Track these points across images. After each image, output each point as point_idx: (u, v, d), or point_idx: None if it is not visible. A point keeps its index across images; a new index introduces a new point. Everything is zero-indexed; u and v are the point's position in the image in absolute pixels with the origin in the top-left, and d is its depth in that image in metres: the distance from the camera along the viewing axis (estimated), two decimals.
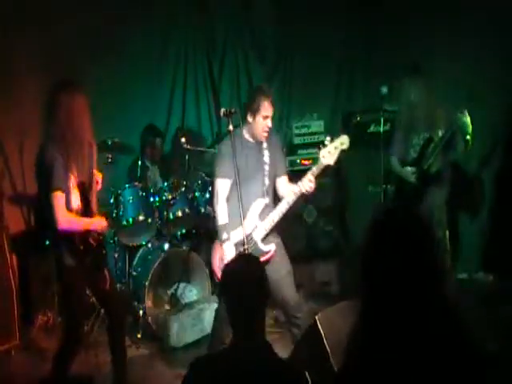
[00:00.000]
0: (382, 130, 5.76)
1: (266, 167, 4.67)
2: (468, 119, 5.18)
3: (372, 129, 6.98)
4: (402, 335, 1.90)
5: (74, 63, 6.16)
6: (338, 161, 4.53)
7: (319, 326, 3.66)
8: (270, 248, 4.59)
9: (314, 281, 6.66)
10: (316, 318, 3.73)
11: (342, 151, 4.53)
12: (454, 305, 2.01)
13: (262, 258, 4.54)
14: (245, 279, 2.74)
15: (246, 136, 4.64)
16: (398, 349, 1.88)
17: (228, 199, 4.58)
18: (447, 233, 5.48)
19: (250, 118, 4.52)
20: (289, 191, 4.57)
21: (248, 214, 4.56)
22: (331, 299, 5.66)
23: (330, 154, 4.48)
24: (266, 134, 4.58)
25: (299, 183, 4.49)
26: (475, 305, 5.55)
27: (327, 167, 4.53)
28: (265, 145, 4.68)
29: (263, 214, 4.61)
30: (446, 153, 5.33)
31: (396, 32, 7.11)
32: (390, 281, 1.94)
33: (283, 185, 4.78)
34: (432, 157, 5.31)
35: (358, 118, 7.11)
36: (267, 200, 4.65)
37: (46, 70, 5.99)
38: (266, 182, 4.68)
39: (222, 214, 4.54)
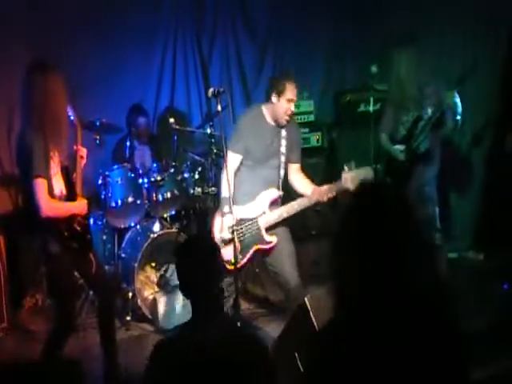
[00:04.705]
0: (371, 109, 5.72)
1: (283, 158, 4.72)
2: (458, 99, 5.16)
3: (362, 108, 6.96)
4: (382, 322, 1.84)
5: (61, 43, 6.09)
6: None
7: (309, 308, 3.65)
8: (273, 240, 4.62)
9: (306, 261, 6.61)
10: (305, 299, 3.72)
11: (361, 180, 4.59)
12: (441, 282, 1.96)
13: (263, 247, 4.58)
14: (197, 258, 2.76)
15: (267, 117, 4.65)
16: (378, 331, 1.83)
17: (239, 175, 4.64)
18: (437, 210, 5.45)
19: (274, 99, 4.54)
20: (306, 191, 4.67)
21: (258, 198, 4.62)
22: (321, 280, 5.64)
23: (352, 180, 4.55)
24: (287, 118, 4.61)
25: (317, 193, 4.61)
26: (465, 283, 5.58)
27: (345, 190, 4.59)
28: (284, 133, 4.68)
29: (273, 205, 4.66)
30: (435, 131, 5.29)
31: (386, 11, 7.06)
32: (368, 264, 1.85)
33: (294, 172, 4.83)
34: (421, 136, 5.27)
35: (348, 98, 7.07)
36: (281, 193, 4.72)
37: (33, 49, 5.87)
38: (282, 173, 4.73)
39: (225, 186, 4.47)
